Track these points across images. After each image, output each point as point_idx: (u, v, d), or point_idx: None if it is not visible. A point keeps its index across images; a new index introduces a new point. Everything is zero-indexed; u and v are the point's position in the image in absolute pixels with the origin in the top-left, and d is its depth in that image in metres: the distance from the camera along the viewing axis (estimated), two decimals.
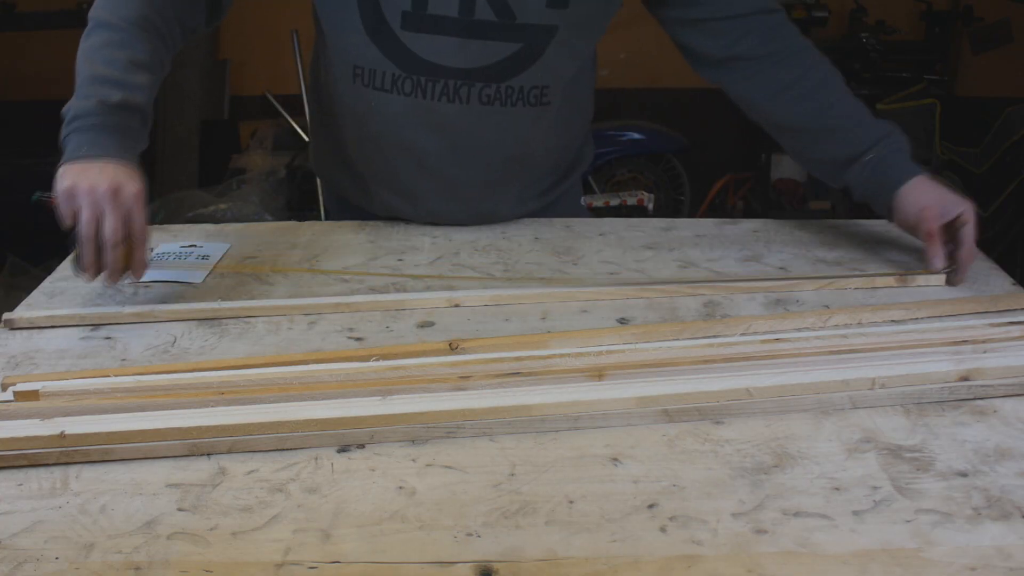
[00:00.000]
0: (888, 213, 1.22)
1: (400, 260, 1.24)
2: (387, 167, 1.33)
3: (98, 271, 1.03)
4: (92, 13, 1.15)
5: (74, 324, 1.06)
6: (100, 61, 1.09)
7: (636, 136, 3.57)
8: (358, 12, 1.18)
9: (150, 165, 3.61)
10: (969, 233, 1.12)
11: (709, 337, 1.00)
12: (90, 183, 0.99)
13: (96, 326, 1.06)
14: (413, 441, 0.84)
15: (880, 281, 1.16)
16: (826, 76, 1.27)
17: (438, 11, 1.16)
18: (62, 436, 0.81)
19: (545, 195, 1.42)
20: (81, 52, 1.12)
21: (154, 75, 1.13)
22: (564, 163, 1.43)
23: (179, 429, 0.83)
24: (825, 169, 1.28)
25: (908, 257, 1.24)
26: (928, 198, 1.16)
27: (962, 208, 1.14)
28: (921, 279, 1.16)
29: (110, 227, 1.00)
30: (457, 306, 1.11)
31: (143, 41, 1.12)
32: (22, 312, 1.09)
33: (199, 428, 0.83)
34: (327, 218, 1.61)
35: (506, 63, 1.20)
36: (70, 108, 1.06)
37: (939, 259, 1.14)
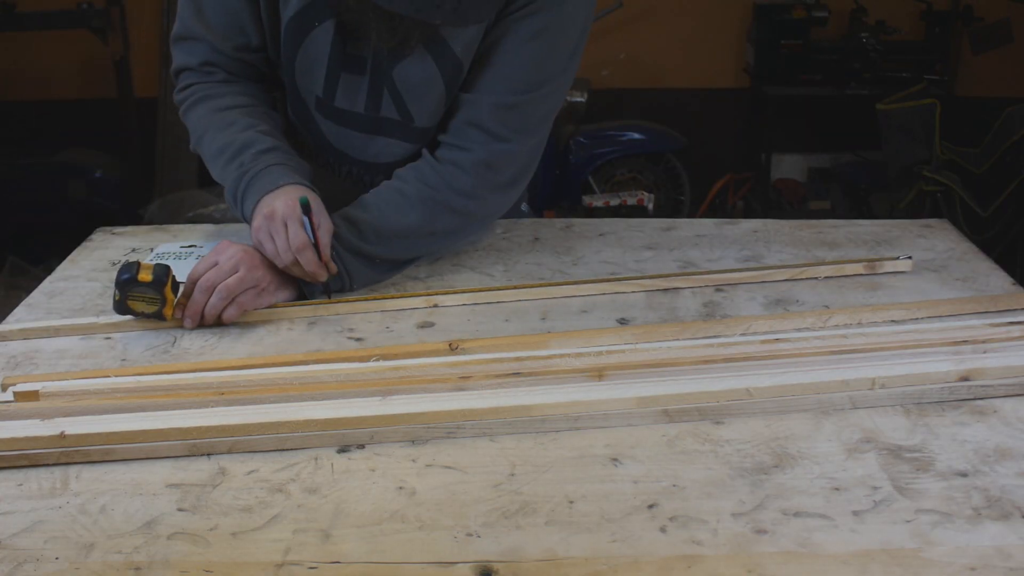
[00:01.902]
0: None
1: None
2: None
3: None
4: (192, 147, 1.22)
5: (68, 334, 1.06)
6: (213, 156, 1.17)
7: (636, 136, 3.57)
8: (289, 85, 1.21)
9: (150, 165, 3.62)
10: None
11: (709, 337, 1.00)
12: (256, 223, 1.08)
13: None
14: (413, 441, 0.84)
15: (850, 268, 1.17)
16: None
17: (344, 105, 1.18)
18: (62, 436, 0.81)
19: None
20: (210, 167, 1.20)
21: (257, 125, 1.18)
22: None
23: (179, 429, 0.83)
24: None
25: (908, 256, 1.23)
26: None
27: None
28: (889, 265, 1.17)
29: (273, 253, 1.08)
30: (461, 304, 1.11)
31: (230, 118, 1.18)
32: (13, 324, 1.09)
33: (199, 428, 0.83)
34: None
35: (412, 159, 1.21)
36: (224, 184, 1.16)
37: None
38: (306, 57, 1.15)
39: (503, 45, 1.11)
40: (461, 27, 1.09)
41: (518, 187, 1.22)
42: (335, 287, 1.14)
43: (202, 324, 1.06)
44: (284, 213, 1.06)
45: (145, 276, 1.01)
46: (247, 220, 1.12)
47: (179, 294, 1.06)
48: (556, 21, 1.10)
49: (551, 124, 1.21)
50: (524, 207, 1.51)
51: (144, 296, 1.02)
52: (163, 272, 1.03)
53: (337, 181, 1.29)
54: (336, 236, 1.12)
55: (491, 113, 1.14)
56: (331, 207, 1.15)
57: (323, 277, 1.10)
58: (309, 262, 1.07)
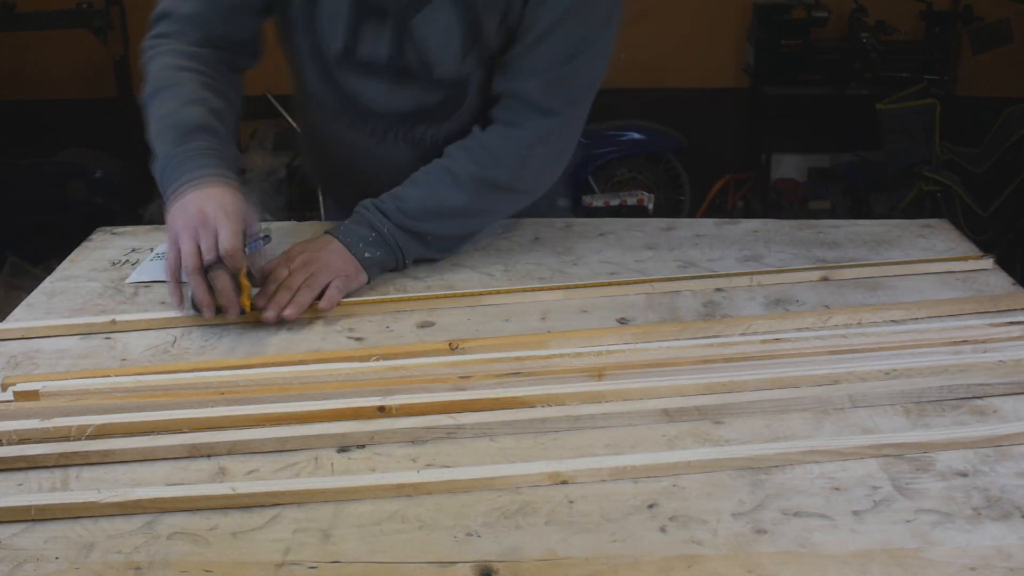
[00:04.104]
0: None
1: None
2: (350, 180, 1.36)
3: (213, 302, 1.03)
4: (142, 98, 1.17)
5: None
6: (156, 119, 1.12)
7: (636, 136, 3.57)
8: (306, 44, 1.20)
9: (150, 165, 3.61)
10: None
11: (709, 337, 1.00)
12: (182, 221, 1.01)
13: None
14: (413, 441, 0.84)
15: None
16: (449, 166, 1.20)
17: (368, 55, 1.18)
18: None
19: None
20: (148, 125, 1.15)
21: (209, 102, 1.14)
22: None
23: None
24: None
25: (908, 257, 1.23)
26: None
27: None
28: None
29: (190, 253, 1.00)
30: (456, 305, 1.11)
31: (187, 83, 1.14)
32: (13, 324, 1.09)
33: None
34: (327, 218, 1.61)
35: (433, 111, 1.23)
36: (154, 167, 1.10)
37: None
38: (326, 10, 1.15)
39: (540, 22, 1.13)
40: None
41: (564, 160, 1.25)
42: (388, 265, 1.16)
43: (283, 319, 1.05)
44: (218, 217, 1.00)
45: None
46: (165, 198, 1.07)
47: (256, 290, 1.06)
48: None
49: (595, 93, 1.23)
50: (562, 202, 1.51)
51: None
52: None
53: (370, 143, 1.28)
54: (384, 212, 1.14)
55: (538, 89, 1.16)
56: (361, 167, 1.20)
57: (232, 307, 1.02)
58: (235, 261, 1.00)
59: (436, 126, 1.25)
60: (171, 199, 1.04)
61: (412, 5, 1.13)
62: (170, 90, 1.13)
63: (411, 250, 1.18)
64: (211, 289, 1.01)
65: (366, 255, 1.14)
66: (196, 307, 1.02)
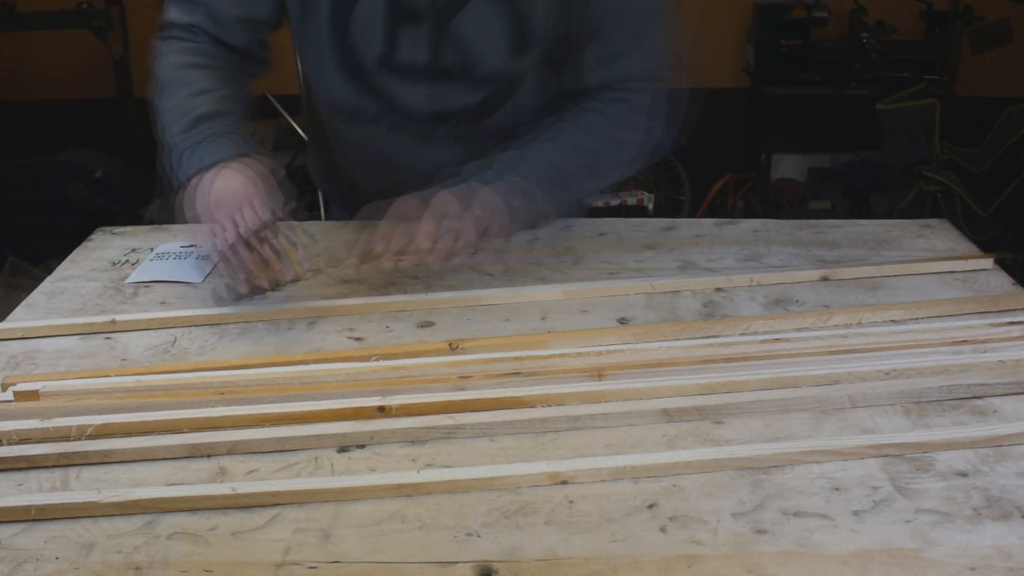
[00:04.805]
0: None
1: (401, 260, 1.24)
2: (370, 187, 1.35)
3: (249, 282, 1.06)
4: (150, 97, 1.17)
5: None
6: (163, 112, 1.12)
7: None
8: (337, 54, 1.19)
9: (150, 165, 3.61)
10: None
11: (709, 337, 1.00)
12: (201, 204, 1.03)
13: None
14: (413, 441, 0.84)
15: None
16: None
17: (408, 58, 1.18)
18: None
19: None
20: (156, 121, 1.15)
21: (217, 91, 1.13)
22: None
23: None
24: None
25: (908, 257, 1.23)
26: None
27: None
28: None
29: (229, 233, 1.02)
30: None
31: (196, 78, 1.14)
32: (13, 324, 1.09)
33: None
34: (326, 218, 1.61)
35: (476, 108, 1.23)
36: (162, 159, 1.10)
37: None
38: (361, 17, 1.15)
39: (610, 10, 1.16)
40: None
41: (665, 119, 1.34)
42: (531, 218, 1.23)
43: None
44: (248, 193, 1.03)
45: None
46: (177, 186, 1.08)
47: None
48: None
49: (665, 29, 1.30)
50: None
51: None
52: None
53: (410, 145, 1.27)
54: (530, 163, 1.14)
55: (633, 66, 1.25)
56: (399, 170, 1.20)
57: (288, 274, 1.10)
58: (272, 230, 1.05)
59: (480, 123, 1.24)
60: (187, 187, 1.05)
61: (450, 6, 1.13)
62: (177, 84, 1.14)
63: (552, 205, 1.22)
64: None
65: (515, 203, 1.12)
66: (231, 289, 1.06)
